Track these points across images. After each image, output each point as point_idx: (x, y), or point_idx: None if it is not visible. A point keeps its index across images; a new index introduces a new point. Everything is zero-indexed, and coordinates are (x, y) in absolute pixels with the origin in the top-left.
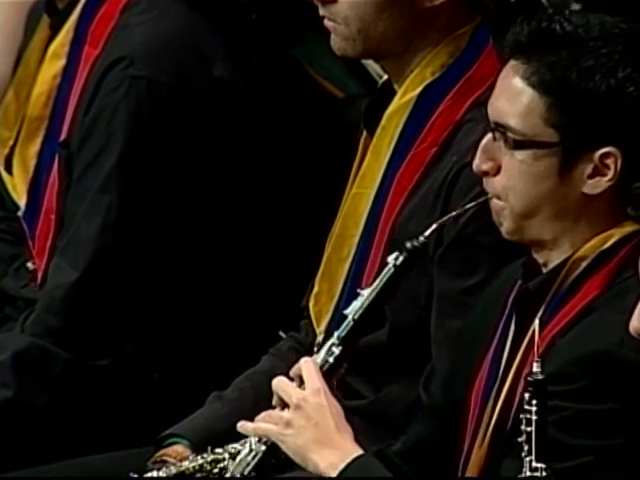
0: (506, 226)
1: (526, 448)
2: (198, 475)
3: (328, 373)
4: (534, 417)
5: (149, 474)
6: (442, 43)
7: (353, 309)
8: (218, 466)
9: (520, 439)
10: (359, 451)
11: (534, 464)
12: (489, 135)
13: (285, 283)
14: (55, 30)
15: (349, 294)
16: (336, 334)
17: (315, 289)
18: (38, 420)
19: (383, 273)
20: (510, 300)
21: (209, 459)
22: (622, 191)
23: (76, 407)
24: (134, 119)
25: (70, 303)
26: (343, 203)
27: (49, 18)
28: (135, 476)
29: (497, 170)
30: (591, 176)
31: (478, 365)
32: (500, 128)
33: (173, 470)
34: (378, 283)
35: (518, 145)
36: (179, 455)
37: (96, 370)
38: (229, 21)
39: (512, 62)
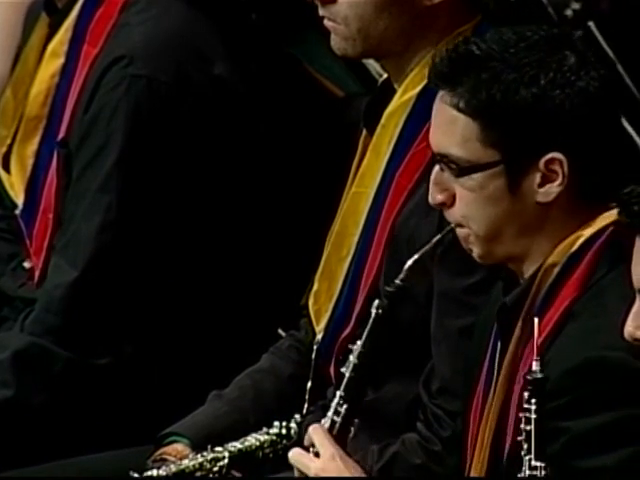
0: (476, 252)
1: (525, 447)
2: (198, 474)
3: (339, 433)
4: (533, 416)
5: (149, 473)
6: (442, 42)
7: (348, 365)
8: (218, 464)
9: (519, 438)
10: None
11: (533, 462)
12: (437, 167)
13: (285, 282)
14: (54, 29)
15: (348, 293)
16: (338, 394)
17: (314, 288)
18: (38, 419)
19: (369, 323)
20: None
21: (209, 457)
22: (579, 193)
23: (76, 406)
24: (133, 118)
25: (69, 302)
26: (343, 202)
27: (48, 17)
28: (135, 475)
29: (453, 199)
30: (541, 185)
31: (475, 384)
32: (444, 159)
33: (173, 469)
34: (366, 335)
35: (463, 172)
36: (179, 454)
37: (96, 369)
38: (229, 20)
39: (440, 92)
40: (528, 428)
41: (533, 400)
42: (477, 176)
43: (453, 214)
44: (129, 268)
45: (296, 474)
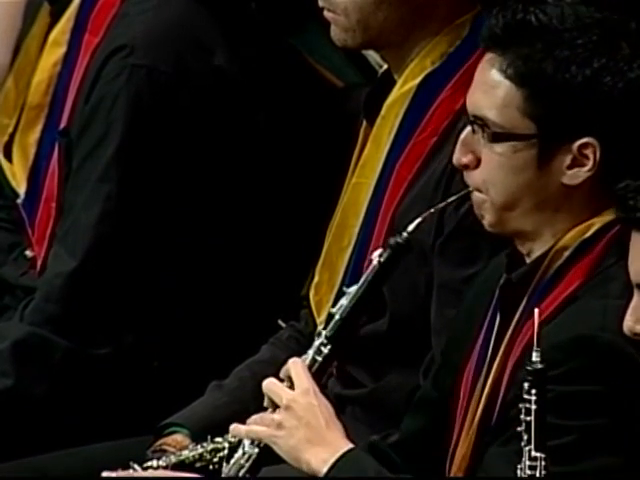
0: (488, 219)
1: (525, 437)
2: (198, 464)
3: (318, 372)
4: (533, 406)
5: (149, 463)
6: (442, 32)
7: (340, 307)
8: (218, 455)
9: (519, 428)
10: (350, 446)
11: (533, 453)
12: (468, 128)
13: (285, 273)
14: (55, 18)
15: (349, 284)
16: (324, 333)
17: (315, 279)
18: (38, 409)
19: (368, 270)
20: (497, 293)
21: (209, 448)
22: (602, 181)
23: (75, 396)
24: (134, 108)
25: (69, 291)
26: (343, 193)
27: (50, 5)
28: (135, 465)
29: (477, 163)
30: (570, 167)
31: (466, 357)
32: (478, 121)
33: (173, 459)
34: (364, 280)
35: (496, 138)
36: (179, 444)
37: (96, 359)
38: (229, 10)
39: (488, 55)
40: (528, 419)
41: (533, 391)
42: (509, 144)
43: (474, 177)
44: (129, 258)
45: (266, 403)
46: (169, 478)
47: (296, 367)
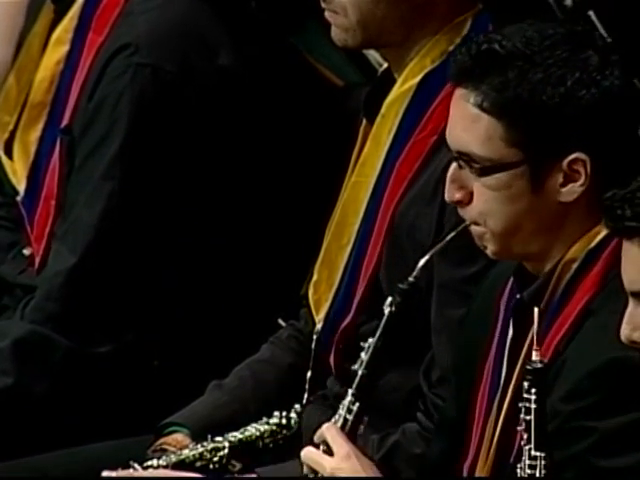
0: (491, 249)
1: (525, 437)
2: (198, 463)
3: (351, 431)
4: (533, 406)
5: (149, 462)
6: (442, 31)
7: (361, 363)
8: (218, 454)
9: (519, 428)
10: None
11: (533, 452)
12: (454, 164)
13: (285, 271)
14: (59, 16)
15: (348, 282)
16: (350, 392)
17: (314, 277)
18: (38, 407)
19: (383, 321)
20: (502, 306)
21: (209, 447)
22: (598, 191)
23: (76, 394)
24: (138, 106)
25: (69, 290)
26: (343, 191)
27: (53, 4)
28: (135, 464)
29: (470, 197)
30: (563, 184)
31: (479, 374)
32: (464, 157)
33: (173, 458)
34: (380, 332)
35: (485, 171)
36: (179, 444)
37: (96, 357)
38: (232, 9)
39: (460, 90)
40: (528, 418)
41: (533, 390)
42: (500, 175)
43: (470, 212)
44: (129, 256)
45: (306, 470)
46: (169, 478)
47: (331, 432)
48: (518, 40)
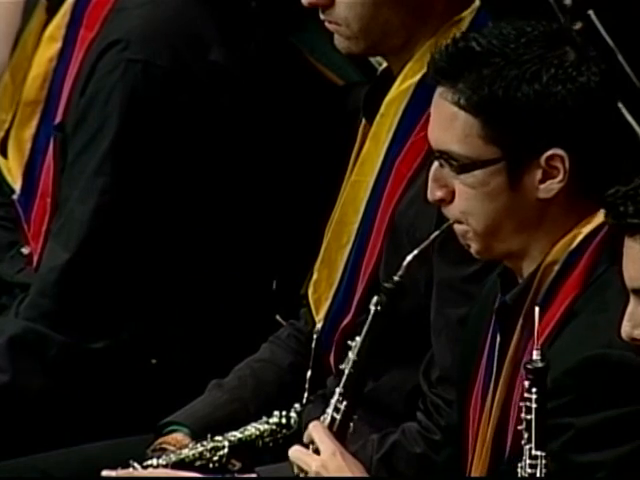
0: (474, 247)
1: (526, 436)
2: (198, 463)
3: (340, 429)
4: (534, 405)
5: (149, 462)
6: (441, 29)
7: (348, 362)
8: (218, 454)
9: (520, 427)
10: None
11: (534, 452)
12: (435, 164)
13: (285, 270)
14: (52, 13)
15: (348, 281)
16: (337, 390)
17: (314, 277)
18: (34, 405)
19: (368, 320)
20: (494, 315)
21: (209, 447)
22: (577, 188)
23: (73, 392)
24: (129, 102)
25: (63, 286)
26: (342, 190)
27: (46, 1)
28: (135, 464)
29: (452, 196)
30: (542, 181)
31: (472, 379)
32: (444, 155)
33: (173, 458)
34: (365, 331)
35: (464, 169)
36: (179, 443)
37: (92, 353)
38: (225, 6)
39: (439, 88)
40: (529, 417)
41: (534, 389)
42: (478, 173)
43: (452, 210)
44: (124, 252)
45: (295, 471)
46: (169, 477)
47: (317, 431)
48: (494, 37)
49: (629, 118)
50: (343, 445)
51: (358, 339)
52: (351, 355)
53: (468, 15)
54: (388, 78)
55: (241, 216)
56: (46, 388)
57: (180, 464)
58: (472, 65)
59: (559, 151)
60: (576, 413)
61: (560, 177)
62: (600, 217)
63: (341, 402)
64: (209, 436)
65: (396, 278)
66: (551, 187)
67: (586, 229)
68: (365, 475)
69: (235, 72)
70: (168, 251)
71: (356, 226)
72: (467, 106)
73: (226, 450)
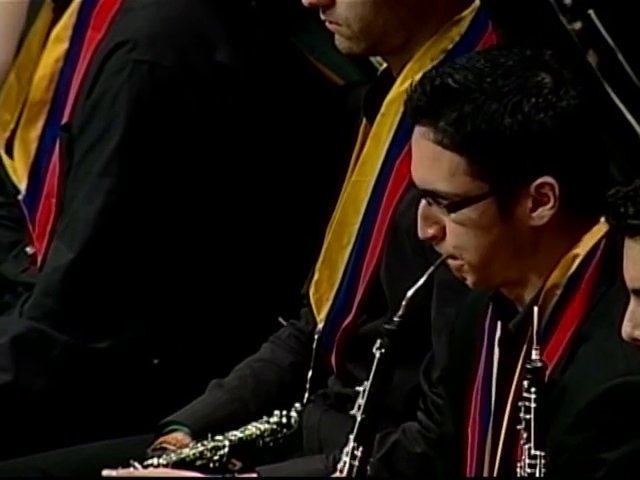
0: (470, 280)
1: (525, 436)
2: (198, 462)
3: (359, 475)
4: (533, 405)
5: (149, 461)
6: (441, 29)
7: (359, 408)
8: (218, 453)
9: (519, 427)
10: None
11: (533, 451)
12: (423, 202)
13: (286, 270)
14: (58, 14)
15: (349, 282)
16: (352, 437)
17: (315, 277)
18: (37, 404)
19: (374, 365)
20: (486, 330)
21: (209, 446)
22: (569, 210)
23: (75, 392)
24: (136, 103)
25: (67, 286)
26: (343, 191)
27: (52, 2)
28: (135, 463)
29: (443, 232)
30: (533, 209)
31: (468, 401)
32: (431, 194)
33: (173, 457)
34: (373, 375)
35: (454, 207)
36: (179, 442)
37: (95, 353)
38: (231, 7)
39: (419, 128)
40: (528, 417)
41: (533, 389)
42: (468, 209)
43: (445, 246)
44: (128, 253)
45: None
46: (169, 477)
47: None
48: (469, 72)
49: (629, 118)
50: None
51: (366, 383)
52: (360, 400)
53: (468, 15)
54: (388, 78)
55: (243, 216)
56: (48, 387)
57: (180, 464)
58: (451, 103)
59: (547, 178)
60: (606, 447)
61: (551, 204)
62: (593, 236)
63: (357, 449)
64: (210, 436)
65: (396, 319)
66: (543, 214)
67: (584, 250)
68: None
69: (239, 72)
70: (171, 252)
71: (357, 226)
72: (451, 145)
73: (226, 450)
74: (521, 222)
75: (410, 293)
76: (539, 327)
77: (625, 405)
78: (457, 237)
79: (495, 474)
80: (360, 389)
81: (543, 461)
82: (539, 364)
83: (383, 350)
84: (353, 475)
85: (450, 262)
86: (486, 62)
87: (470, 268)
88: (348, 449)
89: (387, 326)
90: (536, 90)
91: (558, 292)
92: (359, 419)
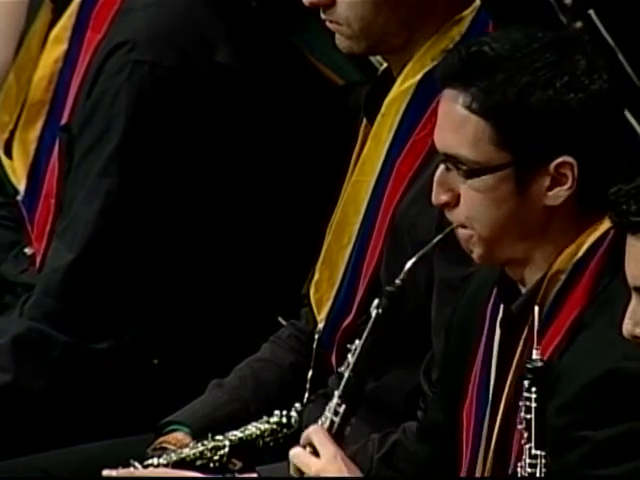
0: (477, 252)
1: (525, 435)
2: (198, 462)
3: (337, 433)
4: (533, 404)
5: (149, 461)
6: (442, 29)
7: (347, 365)
8: (218, 453)
9: (520, 426)
10: None
11: (534, 451)
12: (442, 167)
13: (286, 270)
14: (57, 14)
15: (349, 281)
16: (337, 393)
17: (315, 277)
18: (37, 405)
19: (369, 324)
20: (488, 315)
21: (209, 446)
22: (584, 197)
23: (75, 392)
24: (136, 103)
25: (68, 286)
26: (343, 191)
27: (51, 3)
28: (136, 463)
29: (457, 200)
30: (550, 188)
31: (465, 384)
32: (451, 159)
33: (173, 457)
34: (366, 334)
35: (472, 174)
36: (179, 442)
37: (95, 354)
38: (231, 7)
39: (449, 91)
40: (528, 417)
41: (533, 389)
42: (486, 178)
43: (457, 214)
44: (128, 253)
45: (292, 472)
46: (170, 477)
47: (318, 435)
48: (507, 43)
49: (629, 118)
50: (342, 449)
51: (357, 342)
52: (350, 358)
53: (469, 14)
54: (389, 78)
55: (243, 216)
56: (49, 388)
57: (181, 463)
58: (485, 70)
59: (569, 158)
60: (593, 427)
61: (568, 184)
62: (604, 226)
63: (340, 405)
64: (210, 435)
65: (398, 282)
66: (559, 194)
67: (591, 239)
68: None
69: (240, 73)
70: (171, 252)
71: (357, 226)
72: (479, 110)
73: (227, 449)
74: (536, 199)
75: (411, 262)
76: (539, 324)
77: (617, 391)
78: (470, 206)
79: (490, 459)
80: (352, 347)
81: (544, 461)
82: (539, 364)
83: (380, 310)
84: (333, 431)
85: (460, 231)
86: (524, 36)
87: (479, 240)
88: (332, 404)
89: (388, 288)
90: (570, 70)
91: (562, 277)
92: (346, 376)
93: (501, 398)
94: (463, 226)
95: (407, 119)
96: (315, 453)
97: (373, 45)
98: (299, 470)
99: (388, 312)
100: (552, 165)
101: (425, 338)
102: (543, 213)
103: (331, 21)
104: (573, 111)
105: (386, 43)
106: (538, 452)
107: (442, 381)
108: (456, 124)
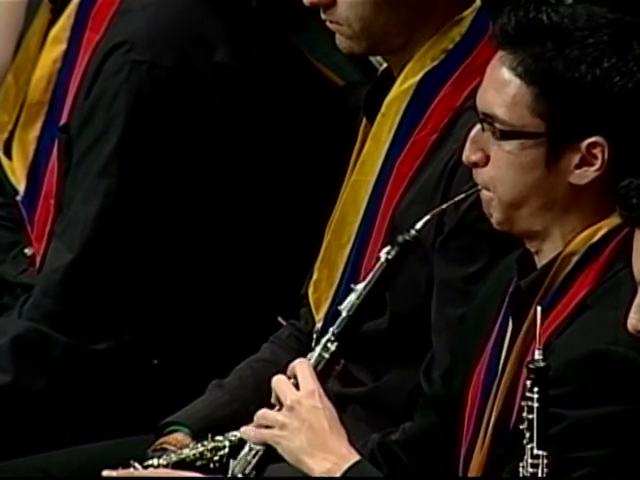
0: (495, 217)
1: (527, 435)
2: (198, 463)
3: (324, 371)
4: (535, 404)
5: (149, 462)
6: (442, 29)
7: (347, 304)
8: (218, 454)
9: (522, 426)
10: (353, 455)
11: (535, 451)
12: (478, 126)
13: (285, 270)
14: (56, 14)
15: (349, 281)
16: (331, 330)
17: (314, 276)
18: (36, 405)
19: (376, 267)
20: (508, 296)
21: (209, 447)
22: (610, 182)
23: (75, 393)
24: (134, 104)
25: (67, 287)
26: (343, 190)
27: (50, 3)
28: (136, 464)
29: (486, 161)
30: (578, 166)
31: (476, 360)
32: (488, 119)
33: (173, 458)
34: (372, 277)
35: (505, 135)
36: (179, 443)
37: (95, 354)
38: (230, 7)
39: (500, 52)
40: (530, 417)
41: (535, 389)
42: (518, 142)
43: (482, 175)
44: (127, 253)
45: (273, 399)
46: (170, 477)
47: (302, 368)
48: (566, 15)
49: None
50: (323, 387)
51: (361, 285)
52: (352, 298)
53: (469, 15)
54: (389, 78)
55: (242, 216)
56: (48, 388)
57: (181, 464)
58: (538, 36)
59: (602, 140)
60: (571, 406)
61: (597, 166)
62: None
63: (332, 342)
64: (210, 436)
65: (413, 232)
66: (586, 174)
67: (610, 224)
68: (336, 420)
69: (239, 73)
70: (171, 252)
71: (356, 226)
72: (523, 74)
73: (227, 450)
74: (562, 174)
75: (431, 214)
76: (549, 326)
77: (602, 372)
78: (498, 167)
79: (490, 437)
80: (355, 287)
81: (546, 461)
82: (542, 364)
83: (389, 257)
84: (319, 368)
85: (483, 193)
86: (586, 11)
87: (499, 204)
88: (323, 340)
89: (400, 236)
90: (621, 53)
91: (575, 259)
92: (344, 315)
93: (503, 379)
94: (487, 188)
95: (407, 119)
96: (297, 386)
97: (373, 45)
98: (277, 398)
99: (396, 261)
100: (584, 143)
101: (425, 338)
102: (567, 190)
103: (331, 21)
104: (615, 94)
105: (386, 43)
106: (540, 452)
107: (455, 353)
108: (498, 84)
